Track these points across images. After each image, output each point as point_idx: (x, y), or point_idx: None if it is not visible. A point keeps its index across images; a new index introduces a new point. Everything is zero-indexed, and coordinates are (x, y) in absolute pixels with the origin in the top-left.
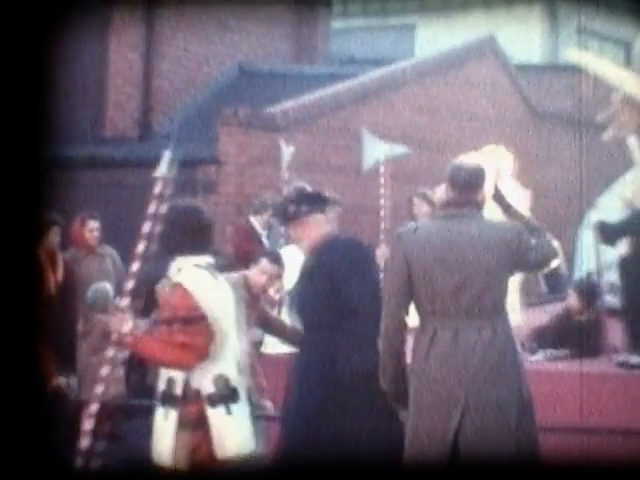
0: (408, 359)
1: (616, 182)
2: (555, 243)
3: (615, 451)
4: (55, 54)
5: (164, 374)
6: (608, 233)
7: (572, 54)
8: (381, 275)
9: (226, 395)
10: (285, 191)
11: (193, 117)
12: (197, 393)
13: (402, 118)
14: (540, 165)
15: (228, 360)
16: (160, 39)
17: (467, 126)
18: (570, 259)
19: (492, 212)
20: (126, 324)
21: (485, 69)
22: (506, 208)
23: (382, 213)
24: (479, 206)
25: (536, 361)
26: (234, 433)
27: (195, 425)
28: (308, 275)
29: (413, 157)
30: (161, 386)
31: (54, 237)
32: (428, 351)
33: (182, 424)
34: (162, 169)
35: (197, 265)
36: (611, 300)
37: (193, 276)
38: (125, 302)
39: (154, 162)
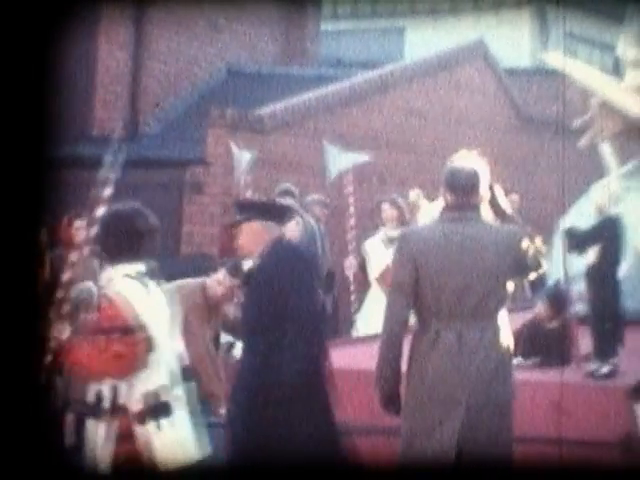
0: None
1: (590, 188)
2: (544, 248)
3: (581, 461)
4: (44, 53)
5: (93, 387)
6: (576, 240)
7: (551, 57)
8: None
9: (156, 410)
10: (241, 196)
11: (181, 118)
12: (124, 409)
13: (390, 121)
14: (527, 169)
15: (160, 371)
16: (149, 39)
17: (455, 129)
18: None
19: (487, 216)
20: (65, 331)
21: (474, 73)
22: (502, 214)
23: (350, 223)
24: (477, 209)
25: None
26: (165, 446)
27: (122, 439)
28: (249, 281)
29: (401, 160)
30: (89, 398)
31: (41, 237)
32: (430, 352)
33: (109, 437)
34: (104, 170)
35: (127, 275)
36: (581, 308)
37: (125, 286)
38: (65, 309)
39: (142, 162)
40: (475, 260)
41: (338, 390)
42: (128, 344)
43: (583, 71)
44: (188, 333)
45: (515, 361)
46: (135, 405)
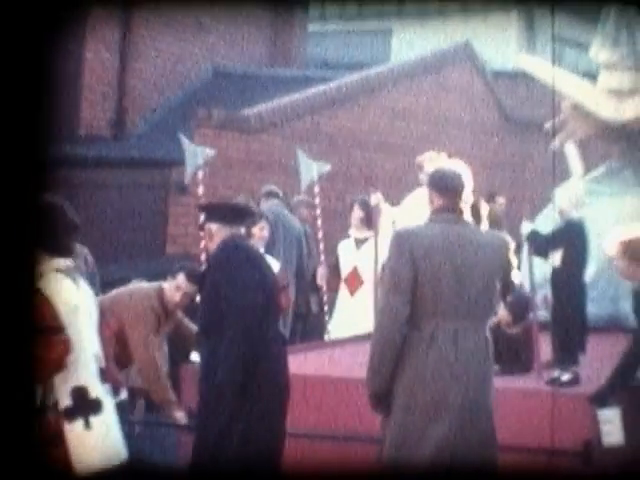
0: None
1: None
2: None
3: (542, 469)
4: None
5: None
6: (539, 244)
7: (521, 60)
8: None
9: (85, 407)
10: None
11: (167, 118)
12: (54, 406)
13: (377, 123)
14: (513, 172)
15: (88, 369)
16: (136, 39)
17: (441, 131)
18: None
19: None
20: None
21: (460, 75)
22: (479, 218)
23: (320, 235)
24: (463, 212)
25: None
26: (94, 446)
27: (51, 439)
28: (201, 282)
29: (387, 162)
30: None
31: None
32: (425, 352)
33: (40, 437)
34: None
35: (58, 269)
36: (543, 315)
37: (53, 282)
38: None
39: (128, 162)
40: (470, 261)
41: (302, 395)
42: (57, 342)
43: (554, 73)
44: (140, 338)
45: None
46: (64, 401)
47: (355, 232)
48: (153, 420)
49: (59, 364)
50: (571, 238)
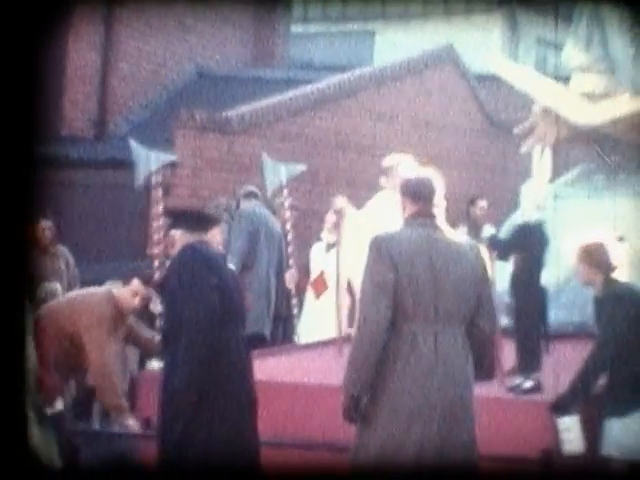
0: None
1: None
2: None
3: (502, 477)
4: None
5: None
6: (499, 248)
7: (490, 62)
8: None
9: None
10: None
11: (149, 119)
12: None
13: (359, 125)
14: (496, 175)
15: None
16: (119, 39)
17: (424, 134)
18: None
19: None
20: None
21: (443, 77)
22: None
23: (289, 238)
24: (436, 216)
25: None
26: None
27: None
28: (161, 289)
29: (370, 164)
30: None
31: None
32: (408, 354)
33: None
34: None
35: None
36: (506, 321)
37: None
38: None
39: (109, 163)
40: (447, 265)
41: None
42: None
43: (523, 76)
44: (95, 342)
45: None
46: None
47: (327, 236)
48: (104, 429)
49: None
50: (528, 242)
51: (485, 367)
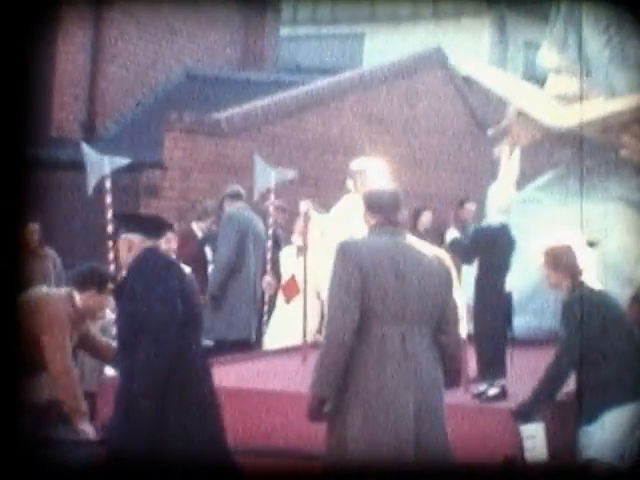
0: None
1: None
2: None
3: None
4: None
5: None
6: (461, 252)
7: (463, 64)
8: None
9: None
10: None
11: (138, 121)
12: None
13: (348, 127)
14: (484, 177)
15: None
16: (108, 42)
17: (413, 137)
18: None
19: None
20: None
21: (432, 80)
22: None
23: (268, 244)
24: (401, 224)
25: None
26: None
27: None
28: (118, 294)
29: None
30: None
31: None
32: (378, 355)
33: None
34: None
35: None
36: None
37: None
38: None
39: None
40: (414, 269)
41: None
42: None
43: (497, 78)
44: (57, 343)
45: None
46: None
47: (298, 239)
48: (61, 437)
49: None
50: (491, 245)
51: (451, 374)
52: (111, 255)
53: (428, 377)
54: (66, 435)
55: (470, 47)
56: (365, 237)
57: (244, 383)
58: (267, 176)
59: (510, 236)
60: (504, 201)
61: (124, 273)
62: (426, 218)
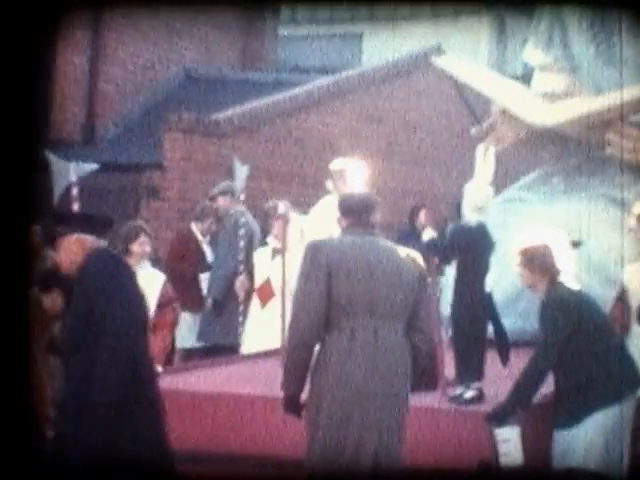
0: None
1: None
2: None
3: None
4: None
5: None
6: (438, 252)
7: (442, 62)
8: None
9: None
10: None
11: (138, 122)
12: None
13: (347, 127)
14: None
15: None
16: (107, 43)
17: (412, 136)
18: None
19: None
20: None
21: (431, 80)
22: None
23: (241, 244)
24: (375, 228)
25: None
26: None
27: None
28: (69, 296)
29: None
30: None
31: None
32: (347, 349)
33: None
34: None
35: None
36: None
37: None
38: None
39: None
40: (386, 265)
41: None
42: None
43: (481, 77)
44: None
45: None
46: None
47: (274, 241)
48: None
49: None
50: (467, 245)
51: (428, 376)
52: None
53: (400, 370)
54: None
55: (469, 47)
56: (336, 237)
57: (221, 387)
58: (242, 173)
59: (488, 235)
60: (481, 200)
61: (73, 273)
62: (423, 216)
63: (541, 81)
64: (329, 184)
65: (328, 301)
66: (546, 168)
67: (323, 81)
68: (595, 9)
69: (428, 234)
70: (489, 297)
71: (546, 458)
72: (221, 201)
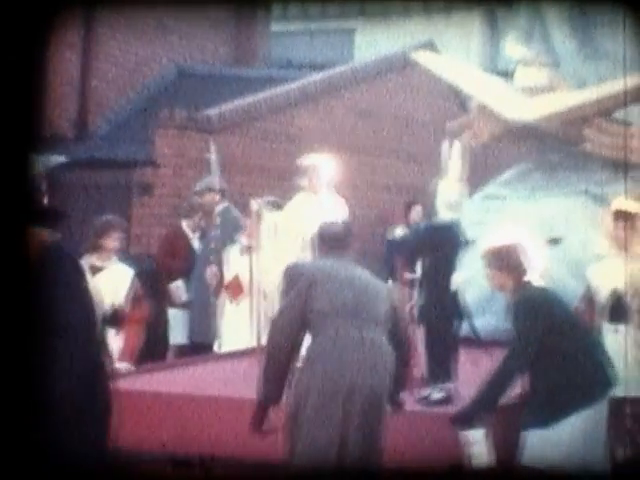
0: None
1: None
2: None
3: None
4: None
5: None
6: (405, 250)
7: (420, 57)
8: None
9: None
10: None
11: (130, 118)
12: None
13: (340, 122)
14: (478, 171)
15: None
16: (99, 39)
17: (404, 131)
18: None
19: None
20: None
21: (424, 75)
22: None
23: (212, 234)
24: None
25: None
26: None
27: None
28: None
29: (350, 162)
30: None
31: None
32: (335, 345)
33: None
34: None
35: None
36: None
37: None
38: None
39: (90, 163)
40: (363, 277)
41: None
42: None
43: (458, 71)
44: None
45: None
46: None
47: (243, 238)
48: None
49: None
50: (437, 243)
51: (399, 378)
52: None
53: (382, 369)
54: None
55: (461, 43)
56: (314, 260)
57: (195, 388)
58: (216, 169)
59: (457, 234)
60: (454, 197)
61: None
62: (417, 212)
63: (523, 76)
64: (302, 181)
65: (310, 311)
66: (526, 164)
67: (315, 77)
68: (574, 3)
69: (398, 232)
70: (454, 296)
71: (515, 458)
72: (208, 197)
